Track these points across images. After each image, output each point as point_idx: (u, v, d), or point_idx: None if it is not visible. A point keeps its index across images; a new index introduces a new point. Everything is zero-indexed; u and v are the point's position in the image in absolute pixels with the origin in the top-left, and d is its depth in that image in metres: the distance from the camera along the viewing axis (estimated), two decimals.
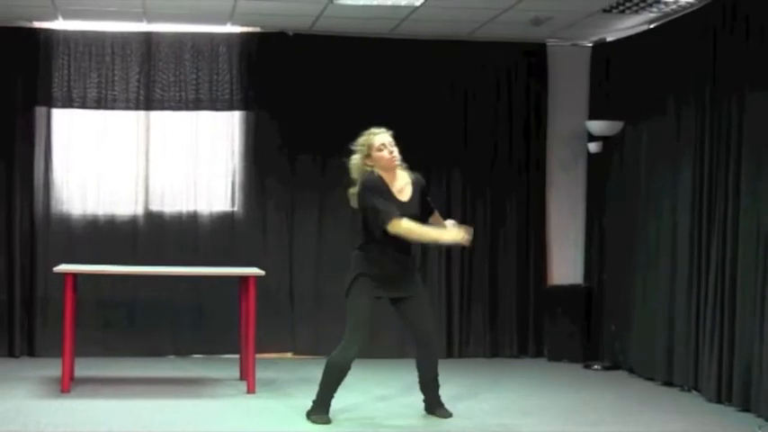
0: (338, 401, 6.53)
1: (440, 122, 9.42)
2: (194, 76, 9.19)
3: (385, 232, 6.26)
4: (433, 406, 6.70)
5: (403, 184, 6.44)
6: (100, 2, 8.36)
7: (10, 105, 9.05)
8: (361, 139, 6.38)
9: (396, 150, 6.40)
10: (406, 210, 6.30)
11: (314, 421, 6.42)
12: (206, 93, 9.21)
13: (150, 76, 9.17)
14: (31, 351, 8.99)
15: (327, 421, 6.42)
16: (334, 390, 6.47)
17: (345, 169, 8.42)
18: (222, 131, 9.29)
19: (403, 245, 6.35)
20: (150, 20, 8.96)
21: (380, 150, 6.34)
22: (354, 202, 6.35)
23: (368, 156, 6.36)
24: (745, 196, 7.15)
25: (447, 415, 6.66)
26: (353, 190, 6.34)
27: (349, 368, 6.40)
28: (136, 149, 9.27)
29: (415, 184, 6.49)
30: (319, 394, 6.47)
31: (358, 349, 6.37)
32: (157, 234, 9.18)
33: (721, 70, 7.53)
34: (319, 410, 6.47)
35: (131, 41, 9.17)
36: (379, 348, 8.61)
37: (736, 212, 7.24)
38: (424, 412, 6.73)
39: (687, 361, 7.80)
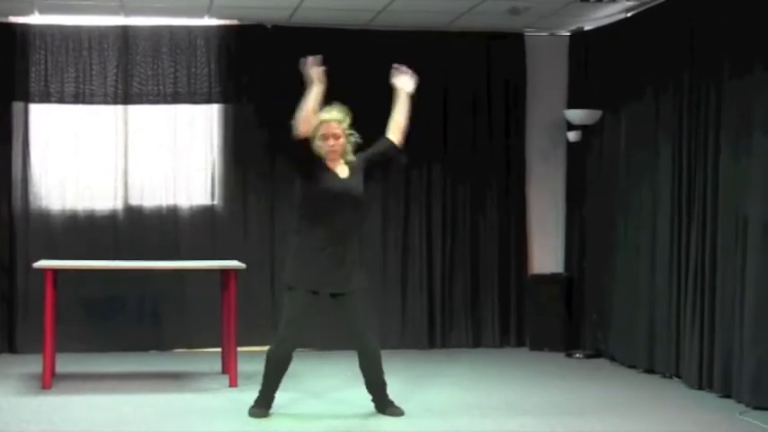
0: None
1: (419, 113, 9.36)
2: (172, 69, 9.15)
3: (313, 223, 6.13)
4: (383, 405, 6.49)
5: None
6: None
7: None
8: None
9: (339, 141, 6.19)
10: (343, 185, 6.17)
11: (251, 414, 6.34)
12: (184, 86, 9.16)
13: (128, 70, 9.13)
14: (11, 348, 8.94)
15: (266, 415, 6.33)
16: (275, 384, 6.34)
17: None
18: (201, 125, 9.24)
19: (336, 237, 6.16)
20: (127, 13, 8.89)
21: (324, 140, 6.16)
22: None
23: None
24: (723, 182, 7.16)
25: (398, 413, 6.44)
26: None
27: (285, 362, 6.29)
28: (114, 144, 9.21)
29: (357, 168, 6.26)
30: (261, 388, 6.38)
31: (291, 345, 6.25)
32: (137, 229, 9.13)
33: (698, 57, 7.54)
34: (259, 404, 6.37)
35: (109, 35, 9.10)
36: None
37: (714, 199, 7.25)
38: (375, 411, 6.55)
39: (668, 348, 7.82)
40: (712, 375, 7.18)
